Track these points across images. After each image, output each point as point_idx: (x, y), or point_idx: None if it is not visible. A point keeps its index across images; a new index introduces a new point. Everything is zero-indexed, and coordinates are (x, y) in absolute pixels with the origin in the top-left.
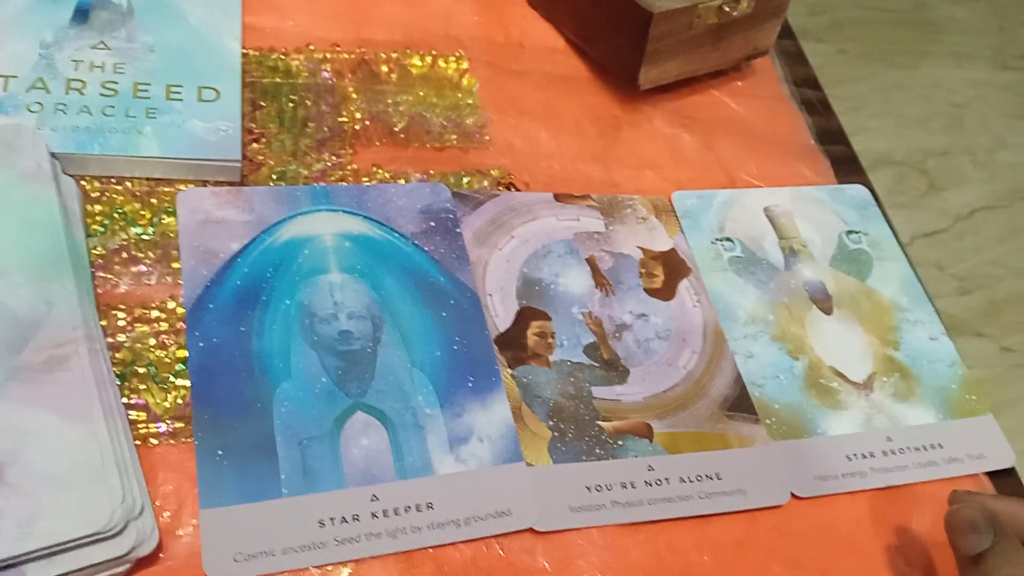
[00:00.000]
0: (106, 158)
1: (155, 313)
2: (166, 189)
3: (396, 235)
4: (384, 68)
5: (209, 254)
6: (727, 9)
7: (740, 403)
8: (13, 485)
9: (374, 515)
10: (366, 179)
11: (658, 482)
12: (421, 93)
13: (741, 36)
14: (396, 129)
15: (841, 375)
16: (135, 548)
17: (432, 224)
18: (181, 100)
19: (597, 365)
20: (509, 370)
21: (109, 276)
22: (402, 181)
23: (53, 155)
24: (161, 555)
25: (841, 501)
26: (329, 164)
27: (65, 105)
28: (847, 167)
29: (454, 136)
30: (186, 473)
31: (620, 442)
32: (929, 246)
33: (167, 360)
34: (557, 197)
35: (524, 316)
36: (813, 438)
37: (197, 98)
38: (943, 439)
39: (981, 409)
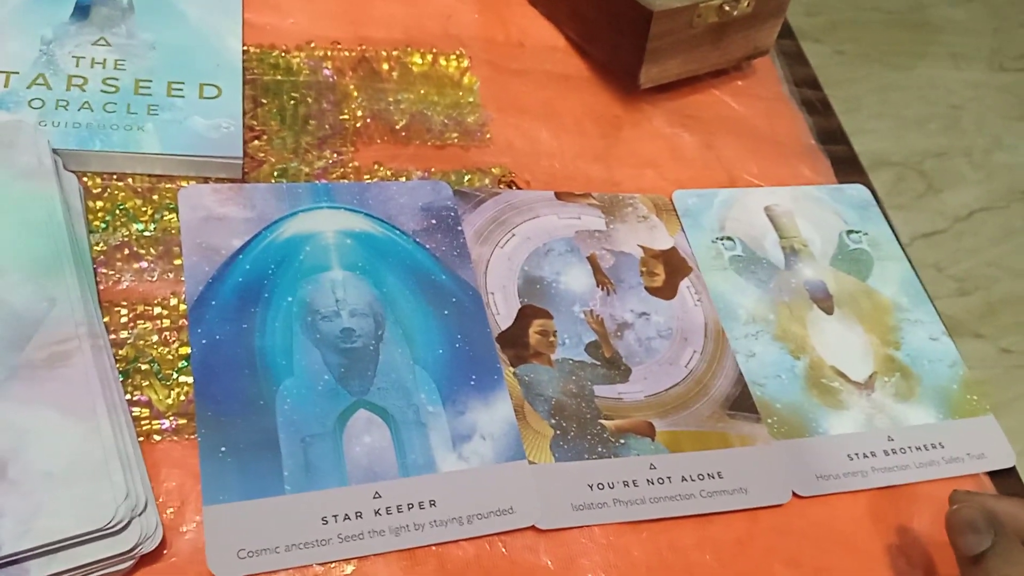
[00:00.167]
0: (107, 154)
1: (157, 310)
2: (168, 186)
3: (397, 232)
4: (385, 66)
5: (211, 251)
6: (727, 8)
7: (741, 402)
8: (15, 482)
9: (377, 512)
10: (367, 177)
11: (660, 481)
12: (422, 91)
13: (741, 35)
14: (397, 127)
15: (842, 375)
16: (139, 545)
17: (433, 222)
18: (182, 97)
19: (599, 363)
20: (511, 368)
21: (111, 272)
22: (403, 179)
23: (55, 151)
24: (165, 552)
25: (842, 500)
26: (330, 161)
27: (66, 101)
28: (847, 167)
29: (455, 134)
30: (189, 470)
31: (622, 440)
32: (927, 247)
33: (170, 357)
34: (558, 195)
35: (526, 314)
36: (814, 437)
37: (198, 95)
38: (944, 439)
39: (982, 409)
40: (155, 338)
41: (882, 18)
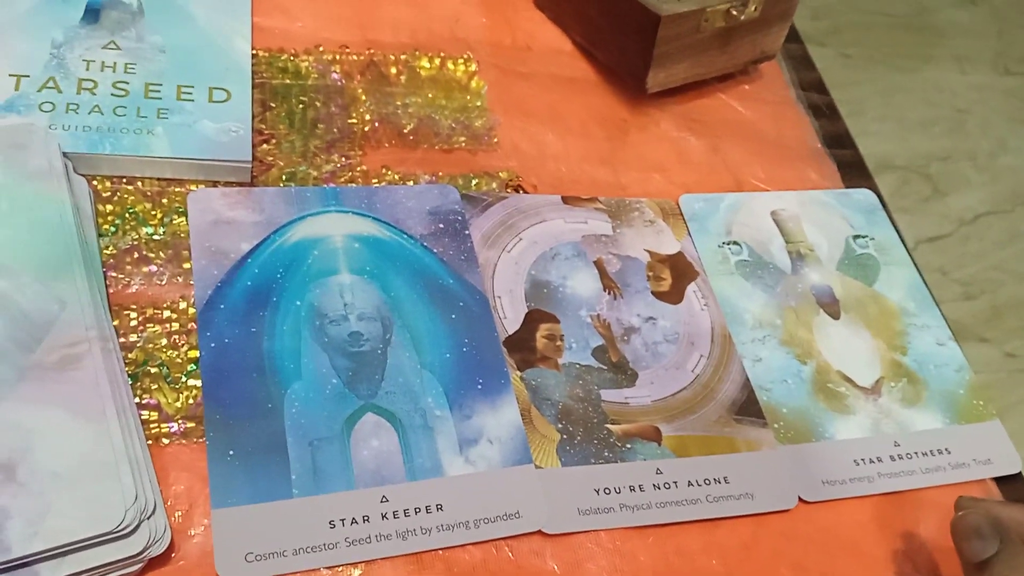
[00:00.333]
0: (117, 158)
1: (167, 313)
2: (177, 189)
3: (405, 236)
4: (393, 70)
5: (220, 254)
6: (734, 13)
7: (748, 407)
8: (25, 484)
9: (384, 516)
10: (375, 180)
11: (666, 485)
12: (430, 95)
13: (748, 40)
14: (405, 131)
15: (849, 380)
16: (148, 548)
17: (441, 226)
18: (192, 101)
19: (605, 368)
20: (518, 372)
21: (120, 276)
22: (411, 183)
23: (65, 155)
24: (173, 555)
25: (848, 506)
26: (339, 165)
27: (77, 105)
28: (854, 171)
29: (463, 138)
30: (198, 473)
31: (628, 445)
32: (932, 251)
33: (179, 360)
34: (565, 199)
35: (533, 318)
36: (821, 442)
37: (208, 99)
38: (950, 444)
39: (988, 414)
40: (164, 341)
41: (887, 21)
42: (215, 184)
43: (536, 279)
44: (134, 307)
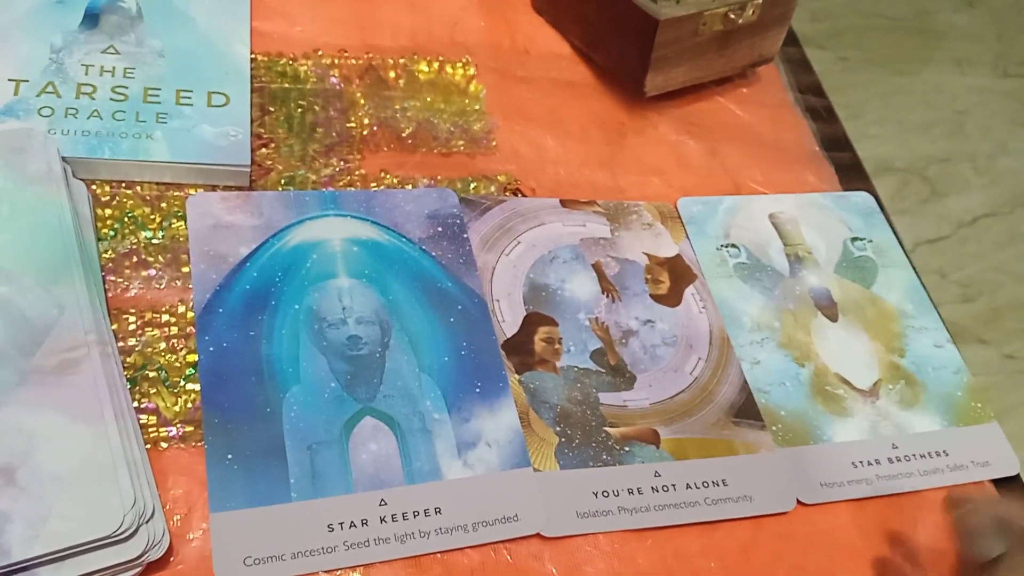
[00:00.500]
0: (116, 162)
1: (165, 317)
2: (176, 194)
3: (404, 240)
4: (392, 74)
5: (218, 258)
6: (732, 16)
7: (746, 409)
8: (24, 487)
9: (382, 520)
10: (374, 184)
11: (665, 488)
12: (428, 99)
13: (746, 43)
14: (404, 134)
15: (847, 382)
16: (146, 552)
17: (439, 229)
18: (191, 105)
19: (604, 371)
20: (516, 376)
21: (119, 280)
22: (409, 186)
23: (64, 159)
24: (172, 559)
25: (846, 508)
26: (337, 169)
27: (76, 109)
28: (852, 174)
29: (461, 142)
30: (196, 477)
31: (627, 448)
32: (931, 253)
33: (177, 364)
34: (563, 203)
35: (531, 322)
36: (819, 445)
37: (207, 103)
38: (948, 446)
39: (986, 416)
40: (163, 345)
41: (886, 24)
42: (214, 188)
43: (534, 282)
44: (133, 311)
